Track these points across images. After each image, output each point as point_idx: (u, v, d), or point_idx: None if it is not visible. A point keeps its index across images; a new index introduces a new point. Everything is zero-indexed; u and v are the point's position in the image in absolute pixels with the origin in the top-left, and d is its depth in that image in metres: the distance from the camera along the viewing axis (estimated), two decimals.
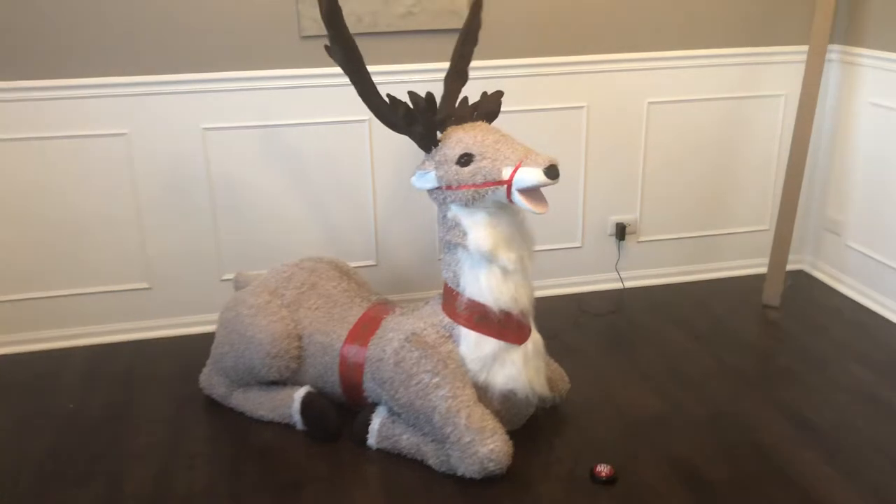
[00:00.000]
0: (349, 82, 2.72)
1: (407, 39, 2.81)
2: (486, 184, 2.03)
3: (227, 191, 2.87)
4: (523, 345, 2.21)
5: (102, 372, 2.73)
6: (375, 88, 2.16)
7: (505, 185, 2.00)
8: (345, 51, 2.10)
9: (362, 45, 2.11)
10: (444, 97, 2.25)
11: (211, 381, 2.52)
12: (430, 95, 2.09)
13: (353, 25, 2.15)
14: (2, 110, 2.64)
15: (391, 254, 3.08)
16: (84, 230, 2.81)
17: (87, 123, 2.70)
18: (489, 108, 2.27)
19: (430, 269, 3.09)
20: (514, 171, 1.99)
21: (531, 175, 1.96)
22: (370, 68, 2.13)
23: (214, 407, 2.51)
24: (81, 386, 2.65)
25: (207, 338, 2.84)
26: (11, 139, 2.67)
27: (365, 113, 2.81)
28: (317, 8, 2.66)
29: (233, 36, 2.72)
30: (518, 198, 2.00)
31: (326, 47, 2.17)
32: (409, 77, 2.77)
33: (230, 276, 2.92)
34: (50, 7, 2.57)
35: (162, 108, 2.74)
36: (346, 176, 2.95)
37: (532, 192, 2.01)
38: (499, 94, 2.30)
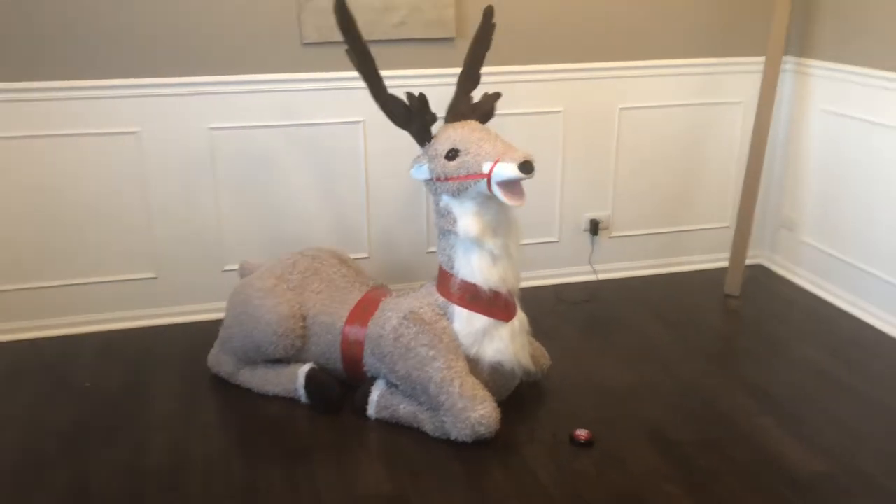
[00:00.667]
0: (346, 87, 2.98)
1: (400, 47, 3.04)
2: (468, 176, 2.26)
3: (230, 186, 3.07)
4: (510, 322, 2.44)
5: (114, 355, 2.91)
6: (386, 89, 2.39)
7: (485, 178, 2.24)
8: (360, 55, 2.33)
9: None
10: (455, 96, 2.46)
11: (219, 360, 2.72)
12: (422, 96, 2.32)
13: None
14: (22, 109, 2.81)
15: (383, 246, 3.30)
16: (96, 222, 2.99)
17: (101, 122, 2.89)
18: (484, 108, 2.50)
19: (418, 261, 3.32)
20: (493, 165, 2.22)
21: (507, 169, 2.19)
22: None
23: (222, 385, 2.70)
24: (95, 367, 2.82)
25: (211, 324, 3.06)
26: (32, 136, 2.85)
27: (360, 114, 3.07)
28: (317, 17, 2.92)
29: (239, 42, 2.93)
30: (496, 190, 2.22)
31: (347, 51, 2.39)
32: (402, 81, 2.97)
33: (232, 266, 3.11)
34: (68, 14, 2.76)
35: (172, 108, 2.93)
36: (342, 173, 3.16)
37: (510, 186, 2.23)
38: (495, 96, 2.53)
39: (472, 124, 2.37)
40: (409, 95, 2.34)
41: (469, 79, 2.51)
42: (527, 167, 2.17)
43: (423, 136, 2.37)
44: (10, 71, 2.78)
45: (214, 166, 3.03)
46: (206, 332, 2.99)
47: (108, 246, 3.03)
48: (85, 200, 2.96)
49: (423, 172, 2.36)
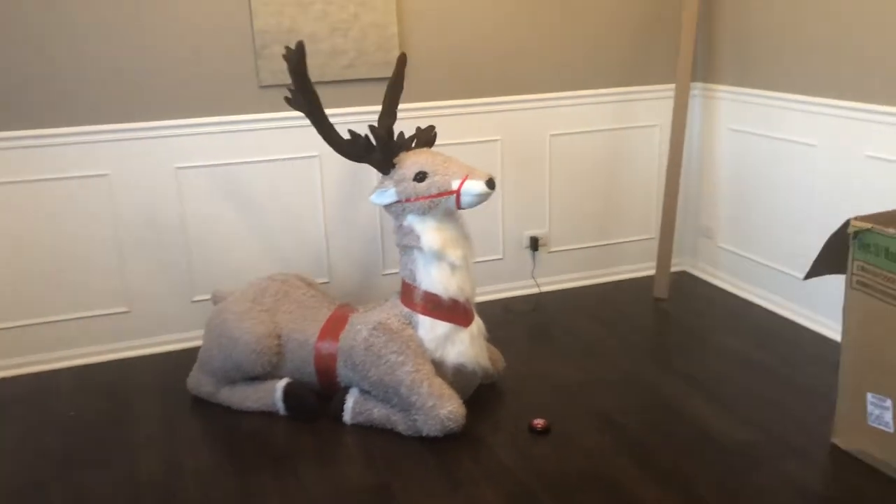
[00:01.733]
0: (302, 125, 3.23)
1: (349, 87, 3.32)
2: (439, 194, 2.55)
3: (197, 222, 3.27)
4: (469, 327, 2.72)
5: (93, 387, 3.06)
6: (333, 128, 2.67)
7: (454, 195, 2.54)
8: (309, 98, 2.60)
9: None
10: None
11: (199, 381, 2.90)
12: (389, 129, 2.61)
13: None
14: None
15: (341, 271, 3.54)
16: (69, 261, 3.15)
17: (72, 167, 3.07)
18: (426, 137, 2.81)
19: (375, 282, 3.57)
20: (462, 182, 2.52)
21: (476, 186, 2.52)
22: None
23: (202, 405, 2.88)
24: (76, 399, 2.97)
25: (183, 353, 3.26)
26: (6, 182, 3.01)
27: (315, 150, 3.33)
28: (272, 63, 3.18)
29: (201, 87, 3.16)
30: (466, 201, 2.54)
31: (287, 98, 2.67)
32: (352, 118, 3.25)
33: (201, 297, 3.31)
34: (35, 66, 2.95)
35: (139, 150, 3.13)
36: (300, 204, 3.40)
37: (479, 197, 2.56)
38: (431, 128, 2.84)
39: (431, 150, 2.67)
40: (373, 128, 2.62)
41: (389, 116, 2.79)
42: (491, 183, 2.53)
43: (385, 164, 2.65)
44: None
45: (181, 203, 3.24)
46: (179, 360, 3.18)
47: (82, 283, 3.19)
48: (59, 241, 3.12)
49: (388, 196, 2.64)
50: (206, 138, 3.21)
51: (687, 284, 3.93)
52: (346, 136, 2.65)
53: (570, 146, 3.76)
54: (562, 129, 3.72)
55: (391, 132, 2.62)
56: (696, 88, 3.85)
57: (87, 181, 3.11)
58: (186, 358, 3.14)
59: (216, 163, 3.24)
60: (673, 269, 3.86)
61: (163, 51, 3.08)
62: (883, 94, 2.92)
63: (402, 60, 2.86)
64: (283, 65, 3.12)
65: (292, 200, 3.39)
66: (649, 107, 3.84)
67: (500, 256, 3.78)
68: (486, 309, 3.50)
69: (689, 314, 3.59)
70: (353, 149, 2.66)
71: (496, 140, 3.62)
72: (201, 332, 3.13)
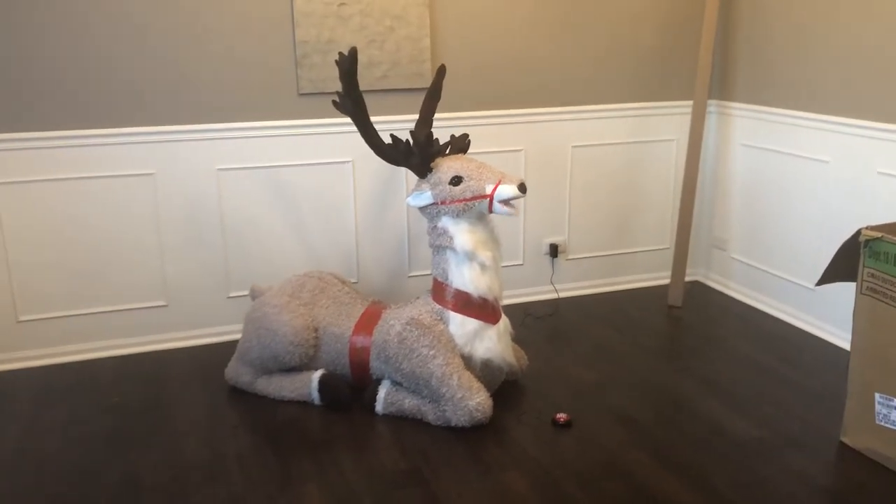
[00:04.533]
0: (337, 132, 3.40)
1: (383, 97, 3.48)
2: (473, 198, 2.71)
3: (234, 221, 3.43)
4: (497, 324, 2.87)
5: (134, 376, 3.21)
6: (376, 132, 2.83)
7: (488, 199, 2.69)
8: (356, 103, 2.76)
9: None
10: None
11: (237, 371, 3.05)
12: (429, 135, 2.77)
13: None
14: (49, 155, 3.15)
15: (369, 272, 3.69)
16: (113, 256, 3.31)
17: (120, 166, 3.24)
18: (460, 145, 2.97)
19: (401, 284, 3.72)
20: (495, 187, 2.68)
21: (508, 190, 2.67)
22: None
23: (240, 394, 3.03)
24: (118, 386, 3.12)
25: (218, 346, 3.41)
26: (56, 179, 3.17)
27: (349, 155, 3.49)
28: (311, 72, 3.34)
29: (244, 93, 3.32)
30: (498, 206, 2.69)
31: (334, 102, 2.83)
32: (385, 126, 3.38)
33: (237, 293, 3.47)
34: (91, 70, 3.13)
35: (184, 151, 3.30)
36: (333, 207, 3.56)
37: (507, 202, 2.71)
38: (465, 136, 3.01)
39: (465, 157, 2.84)
40: (413, 133, 2.78)
41: (424, 125, 2.94)
42: (523, 188, 2.69)
43: (423, 168, 2.81)
44: (41, 121, 3.11)
45: (221, 203, 3.40)
46: (216, 353, 3.34)
47: (124, 277, 3.35)
48: (104, 236, 3.28)
49: (424, 199, 2.79)
50: (247, 142, 3.37)
51: (700, 293, 4.07)
52: (388, 141, 2.81)
53: (590, 158, 3.91)
54: (583, 140, 3.88)
55: (430, 138, 2.79)
56: (712, 105, 4.01)
57: (134, 180, 3.27)
58: (222, 351, 3.30)
59: (255, 165, 3.41)
60: (687, 278, 4.01)
61: (209, 58, 3.25)
62: (895, 112, 3.08)
63: (441, 71, 3.02)
64: (322, 73, 3.33)
65: (326, 203, 3.54)
66: (667, 122, 4.00)
67: (520, 262, 3.93)
68: (507, 312, 3.59)
69: (703, 321, 3.73)
70: (393, 153, 2.82)
71: (520, 150, 3.78)
72: (236, 326, 3.30)
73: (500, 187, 2.69)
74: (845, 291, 2.68)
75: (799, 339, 3.50)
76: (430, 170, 2.82)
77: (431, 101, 3.00)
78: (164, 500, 2.41)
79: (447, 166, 2.78)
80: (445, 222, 2.80)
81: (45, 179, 3.16)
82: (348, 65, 2.68)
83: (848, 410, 2.62)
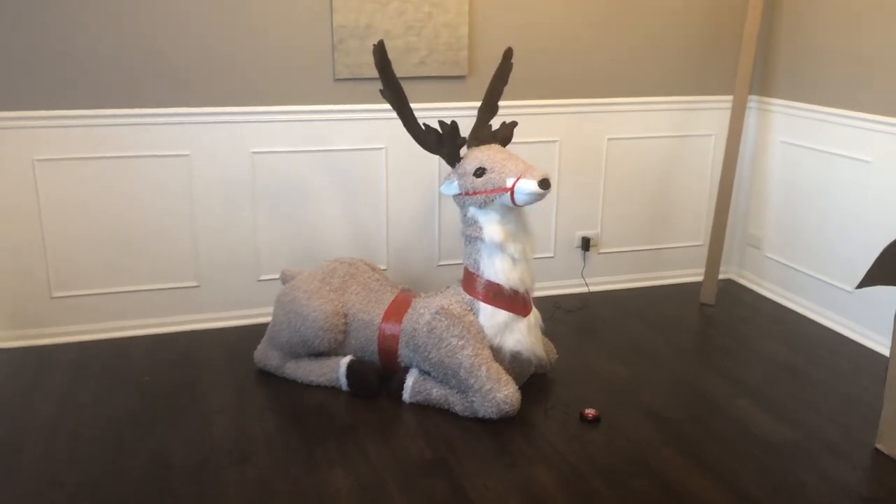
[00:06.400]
0: (371, 118, 3.39)
1: (420, 83, 3.46)
2: (494, 190, 2.68)
3: (267, 204, 3.44)
4: (527, 317, 2.85)
5: (164, 355, 3.23)
6: (417, 120, 2.81)
7: (508, 192, 2.66)
8: (394, 92, 2.75)
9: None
10: (476, 124, 2.89)
11: (266, 355, 3.07)
12: (454, 124, 2.75)
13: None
14: (87, 133, 3.17)
15: (399, 259, 3.69)
16: (146, 235, 3.33)
17: (157, 146, 3.26)
18: (504, 134, 2.93)
19: (430, 273, 3.71)
20: (516, 181, 2.64)
21: (529, 185, 2.62)
22: None
23: (268, 378, 3.05)
24: (149, 365, 3.15)
25: (248, 328, 3.43)
26: (93, 157, 3.20)
27: (383, 142, 3.48)
28: (348, 57, 3.34)
29: (280, 77, 3.32)
30: (521, 198, 2.63)
31: (381, 90, 2.81)
32: (422, 113, 3.35)
33: (267, 276, 3.48)
34: (131, 53, 3.14)
35: (219, 134, 3.31)
36: (365, 194, 3.55)
37: (531, 196, 2.65)
38: (513, 124, 2.96)
39: (496, 147, 2.80)
40: (442, 124, 2.76)
41: (489, 109, 2.93)
42: (545, 183, 2.61)
43: (453, 157, 2.79)
44: (82, 99, 3.14)
45: (254, 186, 3.41)
46: (245, 335, 3.36)
47: (157, 257, 3.37)
48: (138, 216, 3.31)
49: (452, 188, 2.78)
50: (282, 126, 3.37)
51: (733, 292, 4.02)
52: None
53: (626, 151, 3.87)
54: (619, 133, 3.83)
55: (456, 128, 2.75)
56: (752, 101, 3.94)
57: (170, 160, 3.29)
58: (252, 333, 3.32)
59: (289, 150, 3.41)
60: (720, 276, 3.95)
61: (247, 42, 3.25)
62: None
63: (508, 54, 2.95)
64: (358, 59, 3.33)
65: (358, 189, 3.54)
66: (706, 116, 3.93)
67: (551, 255, 3.90)
68: (537, 304, 3.55)
69: (735, 320, 3.68)
70: (427, 141, 2.80)
71: (555, 141, 3.75)
72: (267, 309, 3.31)
73: (520, 181, 2.63)
74: (885, 295, 2.62)
75: (833, 342, 3.44)
76: (460, 159, 2.79)
77: (497, 85, 2.95)
78: (191, 479, 2.42)
79: (473, 156, 2.76)
80: (473, 213, 2.78)
81: (81, 157, 3.19)
82: (378, 59, 2.67)
83: (884, 417, 2.56)
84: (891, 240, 2.48)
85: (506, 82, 2.96)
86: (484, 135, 2.86)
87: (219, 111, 3.29)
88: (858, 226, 3.39)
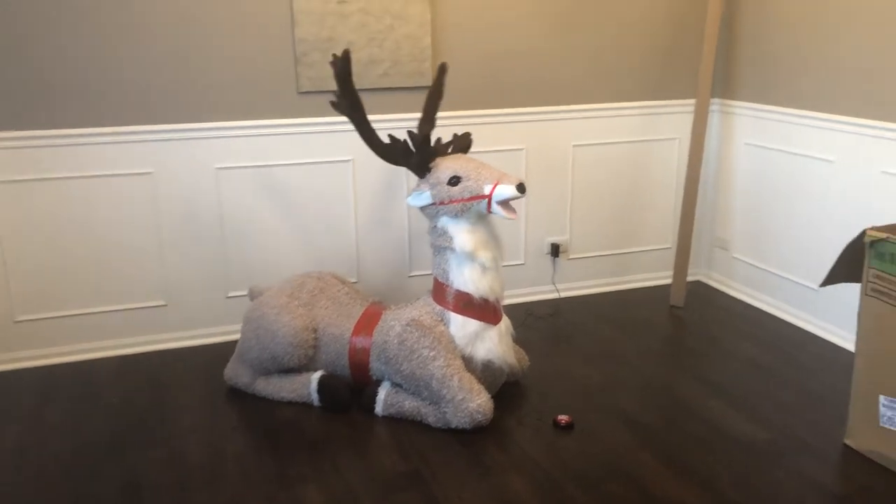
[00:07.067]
0: (337, 130, 3.37)
1: (384, 95, 3.45)
2: (471, 198, 2.68)
3: (234, 220, 3.41)
4: (498, 325, 2.85)
5: (133, 376, 3.18)
6: (375, 132, 2.80)
7: (486, 199, 2.66)
8: (352, 103, 2.74)
9: None
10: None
11: (236, 372, 3.03)
12: (427, 134, 2.75)
13: None
14: (46, 154, 3.12)
15: (369, 271, 3.67)
16: (112, 255, 3.28)
17: (118, 164, 3.21)
18: (462, 144, 2.95)
19: (401, 284, 3.70)
20: (493, 187, 2.65)
21: (507, 190, 2.64)
22: None
23: (239, 395, 3.01)
24: (118, 387, 3.10)
25: (218, 346, 3.39)
26: (55, 178, 3.15)
27: (349, 154, 3.47)
28: (311, 70, 3.32)
29: (243, 91, 3.30)
30: (496, 208, 2.66)
31: (332, 102, 2.80)
32: (386, 125, 3.36)
33: (236, 293, 3.45)
34: (91, 69, 3.10)
35: (182, 150, 3.28)
36: (333, 206, 3.54)
37: (506, 204, 2.68)
38: (468, 134, 2.98)
39: (465, 156, 2.81)
40: (411, 134, 2.76)
41: (428, 122, 2.92)
42: (522, 188, 2.64)
43: (422, 168, 2.78)
44: (39, 119, 3.09)
45: (220, 202, 3.37)
46: (215, 353, 3.32)
47: (123, 276, 3.32)
48: (102, 235, 3.26)
49: (423, 199, 2.77)
50: (246, 141, 3.35)
51: (702, 293, 4.05)
52: (387, 140, 2.78)
53: (592, 157, 3.89)
54: (585, 140, 3.85)
55: (428, 138, 2.76)
56: (715, 104, 3.98)
57: (133, 179, 3.25)
58: (222, 351, 3.28)
59: (255, 164, 3.38)
60: (689, 278, 3.98)
61: (207, 56, 3.23)
62: None
63: (443, 70, 2.99)
64: (322, 72, 3.30)
65: (326, 202, 3.52)
66: (670, 121, 3.97)
67: (521, 262, 3.91)
68: (509, 312, 3.56)
69: (705, 322, 3.71)
70: (392, 153, 2.79)
71: (521, 149, 3.76)
72: (236, 326, 3.28)
73: (498, 188, 2.66)
74: (849, 292, 2.66)
75: (801, 340, 3.47)
76: (429, 169, 2.79)
77: (434, 100, 2.98)
78: (164, 500, 2.39)
79: (445, 166, 2.76)
80: (445, 222, 2.77)
81: (42, 178, 3.14)
82: (342, 67, 2.66)
83: (852, 413, 2.59)
84: (855, 236, 2.51)
85: (441, 97, 2.97)
86: (438, 146, 2.85)
87: (182, 127, 3.26)
88: (822, 224, 3.44)
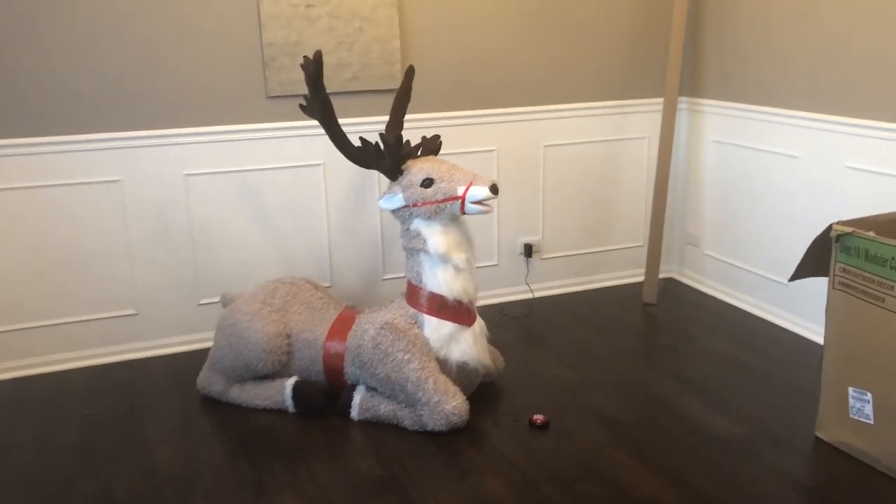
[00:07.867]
0: (307, 134, 3.36)
1: (354, 98, 3.45)
2: (445, 199, 2.69)
3: (204, 227, 3.38)
4: (472, 327, 2.85)
5: (104, 387, 3.14)
6: (345, 135, 2.79)
7: (459, 200, 2.67)
8: (323, 106, 2.73)
9: None
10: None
11: (209, 380, 3.00)
12: (399, 137, 2.74)
13: None
14: (13, 163, 3.07)
15: (343, 276, 3.65)
16: (79, 265, 3.24)
17: (85, 172, 3.17)
18: (431, 146, 2.95)
19: (375, 287, 3.69)
20: (467, 189, 2.66)
21: (480, 191, 2.65)
22: None
23: (213, 403, 2.98)
24: (89, 398, 3.05)
25: (191, 354, 3.37)
26: (21, 188, 3.10)
27: (320, 158, 3.46)
28: (280, 74, 3.30)
29: (211, 96, 3.27)
30: (471, 207, 2.67)
31: (301, 106, 2.79)
32: (356, 128, 3.35)
33: (208, 300, 3.42)
34: (55, 75, 3.06)
35: (150, 157, 3.24)
36: (305, 211, 3.52)
37: (479, 203, 2.68)
38: (437, 137, 2.98)
39: (436, 158, 2.81)
40: (382, 136, 2.75)
41: (396, 125, 2.93)
42: (495, 189, 2.66)
43: (394, 170, 2.78)
44: (4, 128, 3.04)
45: (189, 209, 3.34)
46: (188, 361, 3.29)
47: (92, 286, 3.28)
48: (70, 245, 3.21)
49: (395, 201, 2.77)
50: (215, 146, 3.32)
51: (674, 290, 4.08)
52: (358, 143, 2.77)
53: (563, 157, 3.91)
54: (555, 140, 3.87)
55: (400, 140, 2.76)
56: (683, 102, 4.01)
57: (100, 187, 3.21)
58: (194, 359, 3.25)
59: (224, 170, 3.35)
60: (661, 275, 4.01)
61: (174, 61, 3.20)
62: (863, 108, 3.10)
63: (410, 73, 3.00)
64: (290, 76, 3.29)
65: (297, 207, 3.50)
66: (639, 119, 4.00)
67: (495, 262, 3.91)
68: (483, 313, 3.56)
69: (678, 318, 3.74)
70: (363, 156, 2.79)
71: (492, 150, 3.76)
72: (208, 334, 3.25)
73: (471, 189, 2.67)
74: (818, 286, 2.69)
75: (772, 334, 3.51)
76: (401, 172, 2.79)
77: (401, 103, 2.99)
78: None
79: (418, 168, 2.76)
80: (418, 225, 2.77)
81: (6, 188, 3.09)
82: (314, 69, 2.65)
83: (822, 405, 2.63)
84: (822, 230, 2.55)
85: (409, 99, 2.98)
86: (408, 149, 2.85)
87: (149, 134, 3.22)
88: (790, 220, 3.48)
